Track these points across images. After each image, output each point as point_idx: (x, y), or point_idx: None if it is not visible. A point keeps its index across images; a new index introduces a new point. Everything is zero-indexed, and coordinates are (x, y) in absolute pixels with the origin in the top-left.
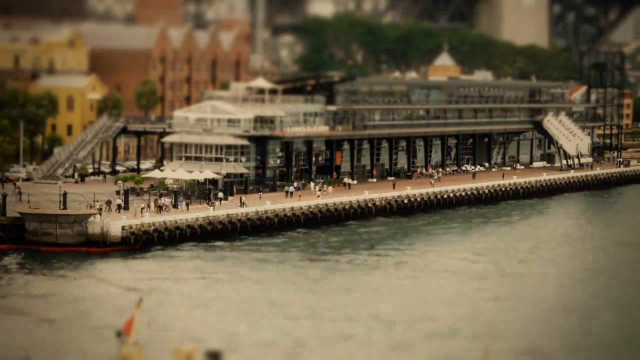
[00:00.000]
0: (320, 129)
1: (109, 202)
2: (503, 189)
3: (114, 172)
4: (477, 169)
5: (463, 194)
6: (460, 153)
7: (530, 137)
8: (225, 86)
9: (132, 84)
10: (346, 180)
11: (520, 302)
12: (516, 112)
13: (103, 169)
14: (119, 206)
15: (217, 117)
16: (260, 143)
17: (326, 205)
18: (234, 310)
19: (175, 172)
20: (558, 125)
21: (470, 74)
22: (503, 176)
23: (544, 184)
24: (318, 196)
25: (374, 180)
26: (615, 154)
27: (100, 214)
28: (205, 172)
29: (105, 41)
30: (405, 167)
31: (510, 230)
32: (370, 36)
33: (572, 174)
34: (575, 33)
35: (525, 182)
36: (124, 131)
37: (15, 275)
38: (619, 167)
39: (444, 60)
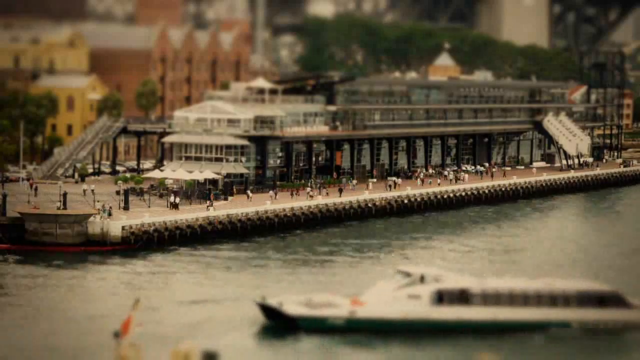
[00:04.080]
0: (320, 129)
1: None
2: (503, 189)
3: (114, 172)
4: (474, 169)
5: (463, 194)
6: (461, 153)
7: (530, 137)
8: (225, 86)
9: (132, 84)
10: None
11: None
12: (516, 112)
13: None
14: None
15: (217, 117)
16: (260, 143)
17: (326, 205)
18: (233, 310)
19: (175, 172)
20: (558, 126)
21: (470, 74)
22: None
23: (544, 184)
24: (311, 197)
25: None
26: (615, 154)
27: (101, 213)
28: (205, 172)
29: (105, 41)
30: (405, 167)
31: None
32: (370, 36)
33: (572, 174)
34: (575, 33)
35: (525, 182)
36: (124, 131)
37: (15, 276)
38: (620, 167)
39: (444, 60)
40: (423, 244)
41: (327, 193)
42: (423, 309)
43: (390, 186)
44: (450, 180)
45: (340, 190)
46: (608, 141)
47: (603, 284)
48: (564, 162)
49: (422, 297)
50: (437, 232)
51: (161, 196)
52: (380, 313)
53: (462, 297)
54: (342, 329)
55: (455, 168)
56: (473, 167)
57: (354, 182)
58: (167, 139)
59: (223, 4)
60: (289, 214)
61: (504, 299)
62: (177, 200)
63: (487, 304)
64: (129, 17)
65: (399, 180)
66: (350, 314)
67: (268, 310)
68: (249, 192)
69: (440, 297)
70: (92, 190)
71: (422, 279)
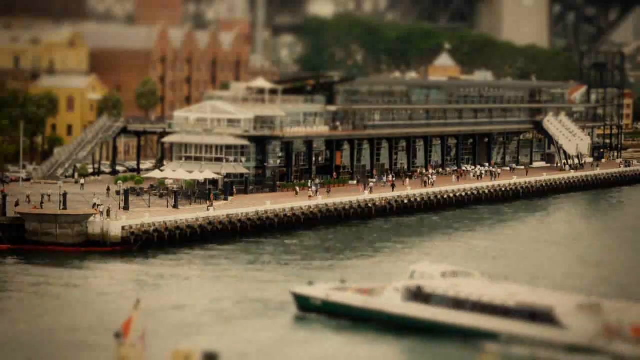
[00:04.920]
0: (320, 129)
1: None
2: (503, 189)
3: (114, 172)
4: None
5: (463, 194)
6: (461, 153)
7: (530, 137)
8: (225, 86)
9: (132, 84)
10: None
11: None
12: (516, 112)
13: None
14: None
15: (217, 117)
16: (260, 143)
17: (326, 205)
18: (233, 311)
19: (175, 172)
20: (558, 126)
21: (470, 74)
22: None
23: (544, 184)
24: (310, 196)
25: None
26: (615, 154)
27: (101, 214)
28: (205, 172)
29: (105, 41)
30: (405, 167)
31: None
32: (370, 36)
33: (572, 174)
34: (575, 33)
35: (525, 182)
36: (124, 131)
37: (15, 275)
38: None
39: (444, 60)
40: (435, 243)
41: (371, 189)
42: (385, 302)
43: (425, 182)
44: (477, 177)
45: (393, 186)
46: (608, 141)
47: (561, 296)
48: (564, 162)
49: (399, 292)
50: (440, 231)
51: (161, 196)
52: (346, 300)
53: (418, 295)
54: (319, 309)
55: (486, 165)
56: (473, 167)
57: (384, 179)
58: (167, 139)
59: (223, 4)
60: (289, 214)
61: (446, 301)
62: (100, 203)
63: (433, 305)
64: (129, 17)
65: (434, 177)
66: (326, 296)
67: None
68: (297, 188)
69: (409, 294)
70: (49, 196)
71: (412, 275)
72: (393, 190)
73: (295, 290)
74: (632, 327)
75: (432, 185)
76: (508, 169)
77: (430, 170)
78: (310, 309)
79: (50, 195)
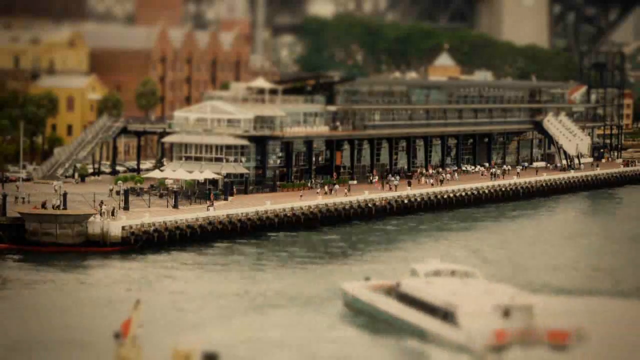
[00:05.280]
0: (320, 129)
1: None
2: (503, 189)
3: (114, 172)
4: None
5: (463, 194)
6: (461, 153)
7: (530, 137)
8: (225, 86)
9: (132, 84)
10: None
11: None
12: (516, 112)
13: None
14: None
15: (217, 117)
16: (260, 143)
17: (326, 205)
18: (233, 310)
19: (175, 172)
20: (558, 125)
21: (470, 74)
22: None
23: (544, 184)
24: (318, 193)
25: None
26: (615, 154)
27: (101, 214)
28: (205, 172)
29: (105, 41)
30: (405, 167)
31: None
32: (370, 36)
33: (572, 174)
34: (575, 33)
35: (526, 182)
36: (124, 131)
37: (15, 275)
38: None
39: (444, 60)
40: (440, 243)
41: (395, 186)
42: (378, 299)
43: (441, 181)
44: (493, 176)
45: (409, 183)
46: (608, 141)
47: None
48: (564, 162)
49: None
50: (441, 231)
51: (161, 196)
52: (359, 295)
53: (397, 293)
54: (350, 305)
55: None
56: (473, 167)
57: (398, 177)
58: (167, 139)
59: (223, 4)
60: (289, 214)
61: (405, 299)
62: (59, 204)
63: (399, 301)
64: (129, 17)
65: (448, 176)
66: (352, 292)
67: None
68: (326, 187)
69: (393, 292)
70: (23, 198)
71: (410, 273)
72: (410, 187)
73: (341, 286)
74: (548, 332)
75: (448, 182)
76: (520, 167)
77: (431, 171)
78: (348, 305)
79: (24, 197)
